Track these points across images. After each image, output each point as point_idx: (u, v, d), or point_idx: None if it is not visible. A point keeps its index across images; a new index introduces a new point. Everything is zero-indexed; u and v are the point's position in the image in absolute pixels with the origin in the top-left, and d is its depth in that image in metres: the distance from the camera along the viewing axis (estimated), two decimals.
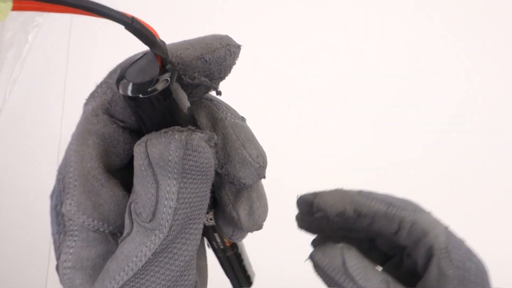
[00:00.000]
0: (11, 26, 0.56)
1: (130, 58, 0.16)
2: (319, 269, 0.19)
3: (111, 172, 0.16)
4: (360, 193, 0.22)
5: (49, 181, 0.51)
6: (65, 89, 0.54)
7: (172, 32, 0.56)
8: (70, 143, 0.16)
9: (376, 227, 0.21)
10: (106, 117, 0.16)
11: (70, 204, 0.15)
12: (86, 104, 0.16)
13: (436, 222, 0.21)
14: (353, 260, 0.19)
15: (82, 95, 0.57)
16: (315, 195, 0.22)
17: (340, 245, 0.19)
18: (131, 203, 0.15)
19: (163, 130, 0.14)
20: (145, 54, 0.15)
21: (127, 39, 0.58)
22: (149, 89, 0.14)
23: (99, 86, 0.16)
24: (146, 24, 0.13)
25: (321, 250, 0.19)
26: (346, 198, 0.21)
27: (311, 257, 0.19)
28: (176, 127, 0.14)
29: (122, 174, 0.17)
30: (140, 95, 0.14)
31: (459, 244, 0.21)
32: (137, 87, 0.14)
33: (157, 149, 0.14)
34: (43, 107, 0.54)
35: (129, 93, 0.14)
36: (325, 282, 0.19)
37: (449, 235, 0.21)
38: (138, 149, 0.14)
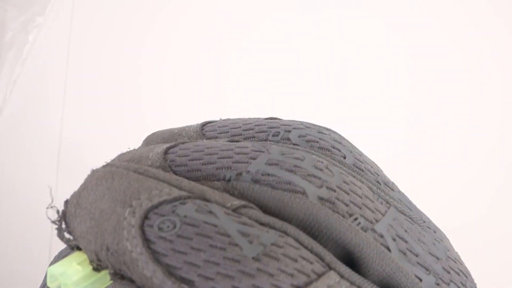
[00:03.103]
0: (11, 27, 0.56)
1: None
2: None
3: None
4: (133, 234, 0.12)
5: (49, 181, 0.51)
6: (66, 90, 0.54)
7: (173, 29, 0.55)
8: None
9: None
10: None
11: None
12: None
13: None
14: None
15: (83, 96, 0.58)
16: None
17: None
18: None
19: None
20: None
21: (128, 40, 0.58)
22: None
23: None
24: None
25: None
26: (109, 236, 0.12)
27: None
28: None
29: None
30: None
31: None
32: None
33: None
34: (43, 107, 0.54)
35: None
36: None
37: None
38: None
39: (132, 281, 0.11)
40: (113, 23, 0.57)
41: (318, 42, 0.56)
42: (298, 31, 0.57)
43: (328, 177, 0.13)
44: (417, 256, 0.12)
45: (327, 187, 0.12)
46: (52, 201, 0.15)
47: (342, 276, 0.11)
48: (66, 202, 0.13)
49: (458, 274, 0.13)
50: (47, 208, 0.14)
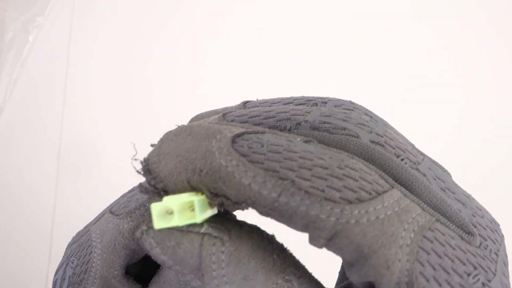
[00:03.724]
0: (11, 27, 0.56)
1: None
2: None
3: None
4: (224, 152, 0.12)
5: (49, 181, 0.51)
6: (66, 90, 0.55)
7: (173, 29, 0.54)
8: (98, 248, 0.18)
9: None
10: None
11: None
12: (122, 218, 0.18)
13: (387, 235, 0.12)
14: (227, 269, 0.13)
15: (83, 95, 0.58)
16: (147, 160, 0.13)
17: (204, 228, 0.12)
18: None
19: None
20: None
21: (128, 40, 0.58)
22: None
23: (137, 208, 0.18)
24: None
25: (160, 235, 0.12)
26: (198, 162, 0.12)
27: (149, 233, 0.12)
28: None
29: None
30: None
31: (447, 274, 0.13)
32: None
33: None
34: (43, 107, 0.54)
35: None
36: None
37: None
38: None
39: (227, 197, 0.12)
40: (113, 23, 0.57)
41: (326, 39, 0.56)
42: (308, 30, 0.57)
43: (374, 126, 0.15)
44: (454, 193, 0.14)
45: (376, 133, 0.14)
46: (136, 153, 0.15)
47: (404, 194, 0.13)
48: (146, 158, 0.13)
49: (487, 213, 0.15)
50: (132, 159, 0.14)
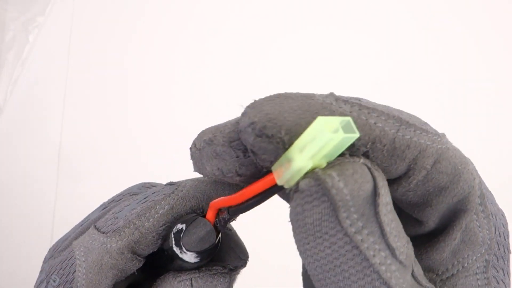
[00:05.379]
0: (12, 27, 0.56)
1: (169, 208, 0.18)
2: (320, 199, 0.12)
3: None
4: (340, 102, 0.13)
5: (50, 181, 0.51)
6: (66, 90, 0.55)
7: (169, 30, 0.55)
8: (83, 267, 0.18)
9: (375, 160, 0.14)
10: (130, 255, 0.18)
11: None
12: (109, 236, 0.18)
13: (463, 156, 0.15)
14: (388, 196, 0.13)
15: (83, 96, 0.58)
16: (252, 112, 0.13)
17: (362, 160, 0.13)
18: None
19: (208, 271, 0.17)
20: (195, 220, 0.17)
21: (128, 40, 0.58)
22: (204, 258, 0.17)
23: (126, 226, 0.18)
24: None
25: (337, 169, 0.12)
26: (314, 112, 0.13)
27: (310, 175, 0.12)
28: (219, 267, 0.18)
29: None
30: (197, 261, 0.17)
31: (488, 191, 0.16)
32: (195, 257, 0.17)
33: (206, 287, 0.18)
34: (43, 107, 0.54)
35: (188, 260, 0.17)
36: (314, 228, 0.12)
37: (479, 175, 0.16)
38: (183, 286, 0.17)
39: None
40: (113, 23, 0.57)
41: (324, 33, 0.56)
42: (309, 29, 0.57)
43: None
44: None
45: None
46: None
47: None
48: (253, 120, 0.13)
49: None
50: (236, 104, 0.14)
